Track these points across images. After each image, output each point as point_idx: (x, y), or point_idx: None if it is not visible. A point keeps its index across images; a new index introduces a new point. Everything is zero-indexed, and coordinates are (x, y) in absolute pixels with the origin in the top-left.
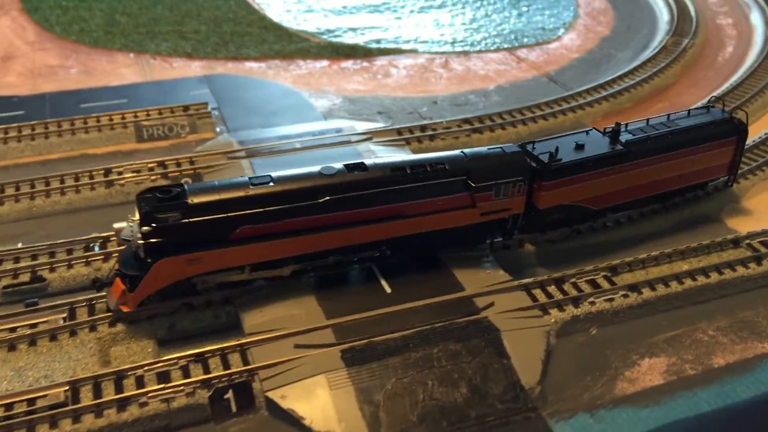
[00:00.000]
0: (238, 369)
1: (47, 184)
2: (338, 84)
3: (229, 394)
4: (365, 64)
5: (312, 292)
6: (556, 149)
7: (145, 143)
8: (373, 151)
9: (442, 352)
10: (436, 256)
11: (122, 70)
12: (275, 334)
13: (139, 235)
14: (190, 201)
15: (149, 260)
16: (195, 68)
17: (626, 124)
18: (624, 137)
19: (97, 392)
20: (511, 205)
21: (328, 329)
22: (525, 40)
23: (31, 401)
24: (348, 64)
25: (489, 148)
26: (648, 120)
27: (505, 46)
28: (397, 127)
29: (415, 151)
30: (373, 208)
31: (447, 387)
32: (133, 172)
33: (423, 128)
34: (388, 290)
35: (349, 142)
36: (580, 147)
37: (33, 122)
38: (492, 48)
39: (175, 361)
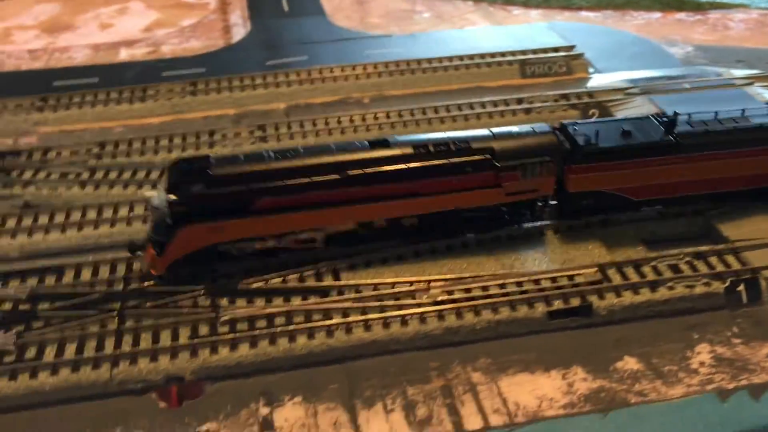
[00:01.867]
0: (746, 267)
1: (448, 111)
2: (683, 34)
3: (741, 287)
4: (699, 17)
5: None
6: (597, 133)
7: (528, 79)
8: (762, 94)
9: None
10: None
11: (468, 15)
12: (764, 241)
13: (166, 204)
14: (213, 172)
15: (174, 227)
16: (533, 15)
17: (689, 115)
18: (682, 128)
19: (624, 275)
20: (540, 186)
21: None
22: None
23: (570, 277)
24: (681, 16)
25: (519, 128)
26: (717, 113)
27: None
28: None
29: None
30: (394, 184)
31: None
32: (542, 102)
33: None
34: None
35: (733, 85)
36: (626, 133)
37: (432, 58)
38: None
39: (681, 256)
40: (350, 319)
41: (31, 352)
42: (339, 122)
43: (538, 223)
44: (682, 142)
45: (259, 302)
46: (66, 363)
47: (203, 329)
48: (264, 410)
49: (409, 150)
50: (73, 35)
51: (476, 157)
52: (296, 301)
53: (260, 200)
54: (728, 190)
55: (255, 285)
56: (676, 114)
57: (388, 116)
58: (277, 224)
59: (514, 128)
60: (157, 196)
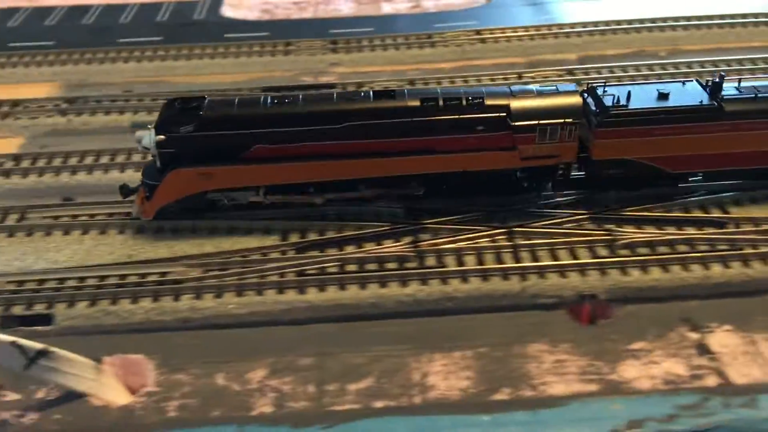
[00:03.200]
0: None
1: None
2: None
3: None
4: None
5: None
6: (629, 95)
7: None
8: None
9: None
10: None
11: None
12: None
13: (154, 144)
14: (204, 114)
15: (162, 170)
16: None
17: (740, 80)
18: (727, 92)
19: None
20: (560, 152)
21: None
22: None
23: None
24: None
25: (541, 86)
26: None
27: None
28: None
29: None
30: (397, 139)
31: None
32: None
33: None
34: None
35: None
36: (663, 96)
37: (735, 13)
38: None
39: None
40: None
41: (430, 261)
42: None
43: None
44: (725, 108)
45: (649, 229)
46: (475, 272)
47: (602, 251)
48: (692, 335)
49: (416, 103)
50: None
51: (489, 115)
52: (690, 230)
53: (252, 147)
54: None
55: (641, 214)
56: (722, 77)
57: (685, 68)
58: (270, 174)
59: (535, 86)
60: (148, 135)
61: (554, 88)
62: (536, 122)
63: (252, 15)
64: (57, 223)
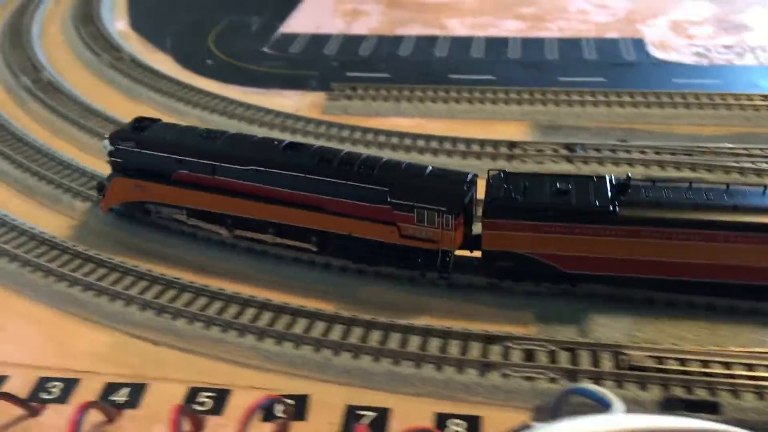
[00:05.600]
0: None
1: None
2: None
3: None
4: None
5: None
6: (526, 186)
7: None
8: None
9: None
10: None
11: None
12: None
13: (107, 152)
14: (145, 134)
15: (111, 175)
16: None
17: (653, 182)
18: (635, 196)
19: None
20: (439, 238)
21: None
22: None
23: None
24: None
25: (438, 168)
26: (691, 183)
27: None
28: None
29: None
30: (292, 191)
31: None
32: None
33: None
34: None
35: None
36: (562, 192)
37: None
38: None
39: None
40: None
41: None
42: None
43: None
44: (622, 213)
45: None
46: None
47: None
48: None
49: (314, 160)
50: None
51: (371, 186)
52: None
53: (176, 171)
54: (684, 278)
55: None
56: (628, 178)
57: None
58: (190, 199)
59: (429, 166)
60: (107, 142)
61: (444, 170)
62: (413, 203)
63: (686, 58)
64: None
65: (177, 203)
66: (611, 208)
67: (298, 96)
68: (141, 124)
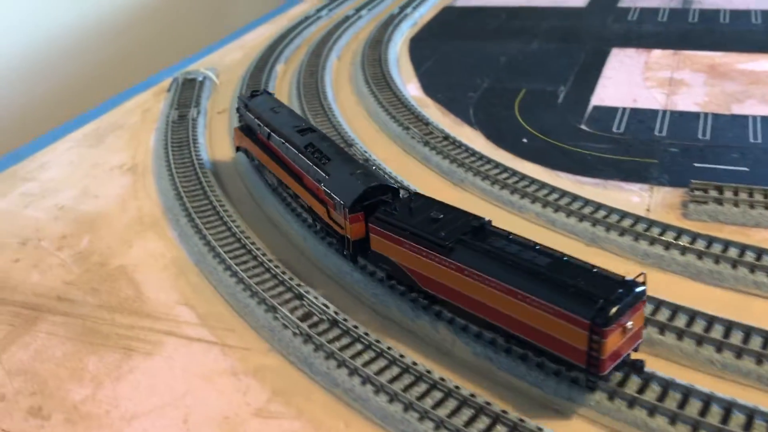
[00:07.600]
0: None
1: None
2: None
3: None
4: None
5: None
6: (411, 206)
7: None
8: None
9: None
10: None
11: None
12: None
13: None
14: (252, 100)
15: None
16: None
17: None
18: (485, 243)
19: None
20: (346, 228)
21: None
22: None
23: None
24: None
25: (362, 170)
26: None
27: None
28: None
29: None
30: (287, 158)
31: None
32: None
33: None
34: None
35: None
36: (434, 220)
37: None
38: None
39: None
40: None
41: None
42: None
43: None
44: (454, 249)
45: None
46: None
47: None
48: None
49: (301, 140)
50: None
51: (317, 168)
52: None
53: (258, 132)
54: (504, 327)
55: None
56: (489, 222)
57: None
58: (258, 155)
59: (361, 165)
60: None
61: (364, 173)
62: (330, 191)
63: None
64: None
65: (256, 157)
66: (447, 243)
67: (644, 192)
68: (255, 93)
